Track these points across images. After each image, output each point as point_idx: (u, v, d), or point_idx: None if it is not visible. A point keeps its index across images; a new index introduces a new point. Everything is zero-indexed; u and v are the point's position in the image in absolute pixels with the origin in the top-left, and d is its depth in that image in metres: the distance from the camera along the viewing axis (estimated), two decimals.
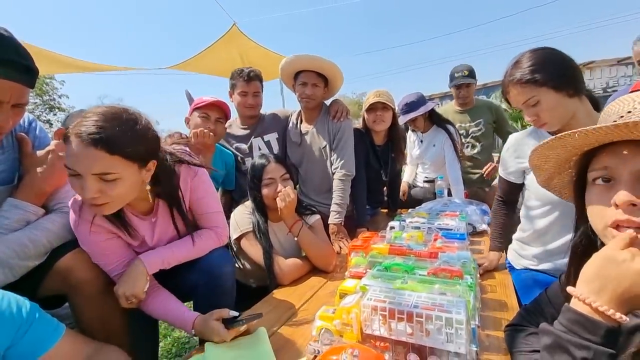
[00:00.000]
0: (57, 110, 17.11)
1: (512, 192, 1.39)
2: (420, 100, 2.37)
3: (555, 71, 1.08)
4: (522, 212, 1.38)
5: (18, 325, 0.72)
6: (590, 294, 0.50)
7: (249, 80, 1.98)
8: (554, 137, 0.60)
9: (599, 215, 0.57)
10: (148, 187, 1.04)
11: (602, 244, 0.58)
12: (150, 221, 1.11)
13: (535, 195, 1.27)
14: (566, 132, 0.58)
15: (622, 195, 0.52)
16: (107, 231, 1.04)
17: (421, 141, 2.58)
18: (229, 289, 1.19)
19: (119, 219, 1.05)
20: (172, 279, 1.13)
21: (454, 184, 2.33)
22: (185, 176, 1.13)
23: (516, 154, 1.31)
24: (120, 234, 1.06)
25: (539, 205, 1.27)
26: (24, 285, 0.94)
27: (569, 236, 1.12)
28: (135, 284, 0.98)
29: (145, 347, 1.28)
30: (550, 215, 1.23)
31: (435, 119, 2.50)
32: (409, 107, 2.36)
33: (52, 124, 15.99)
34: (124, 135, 0.87)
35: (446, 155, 2.38)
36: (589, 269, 0.53)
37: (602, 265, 0.51)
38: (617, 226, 0.53)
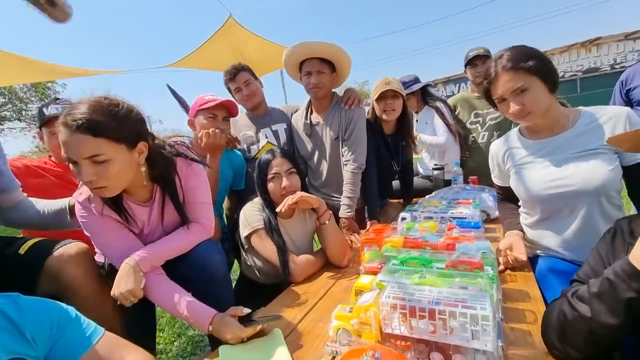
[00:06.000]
0: None
1: (507, 192, 1.43)
2: (413, 81, 2.62)
3: (543, 64, 1.13)
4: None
5: (54, 332, 0.74)
6: None
7: (234, 76, 2.03)
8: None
9: None
10: (143, 169, 1.07)
11: None
12: (150, 207, 1.16)
13: (517, 195, 1.34)
14: None
15: None
16: (115, 220, 1.10)
17: (417, 120, 2.70)
18: (222, 278, 1.21)
19: (118, 206, 1.09)
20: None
21: (430, 140, 2.54)
22: (181, 165, 1.20)
23: (498, 160, 1.41)
24: (123, 222, 1.12)
25: (522, 205, 1.36)
26: (19, 285, 0.93)
27: (558, 232, 1.21)
28: (129, 282, 0.99)
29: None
30: (534, 214, 1.29)
31: (426, 99, 2.64)
32: (404, 85, 2.50)
33: None
34: (105, 118, 0.94)
35: (435, 125, 2.52)
36: None
37: None
38: None
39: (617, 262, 0.64)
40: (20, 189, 1.27)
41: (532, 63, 1.11)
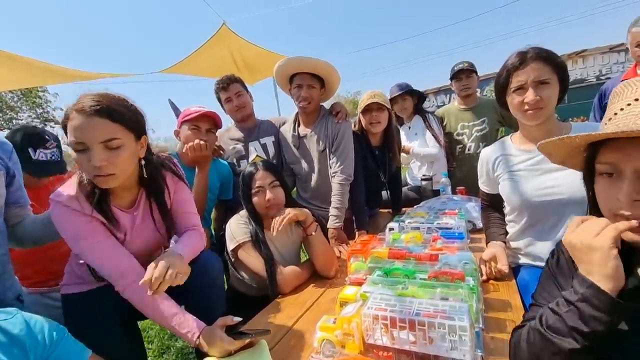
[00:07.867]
0: (52, 123, 16.89)
1: (493, 199, 1.47)
2: (409, 86, 2.69)
3: (565, 68, 1.19)
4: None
5: (47, 347, 0.75)
6: None
7: (227, 86, 2.04)
8: (558, 137, 0.66)
9: (607, 207, 0.62)
10: (143, 163, 1.09)
11: None
12: (132, 214, 1.14)
13: (506, 202, 1.36)
14: (568, 136, 0.63)
15: (625, 195, 0.57)
16: (102, 224, 1.07)
17: (409, 127, 2.75)
18: (220, 286, 1.26)
19: (104, 209, 1.06)
20: None
21: (424, 152, 2.59)
22: (172, 177, 1.22)
23: (488, 167, 1.42)
24: (109, 227, 1.08)
25: (509, 212, 1.38)
26: None
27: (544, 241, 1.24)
28: (183, 264, 0.98)
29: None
30: (521, 221, 1.31)
31: (419, 109, 2.71)
32: (400, 87, 2.62)
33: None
34: (120, 106, 0.99)
35: (426, 136, 2.60)
36: None
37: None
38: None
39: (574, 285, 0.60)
40: (30, 206, 1.23)
41: (560, 61, 1.18)
